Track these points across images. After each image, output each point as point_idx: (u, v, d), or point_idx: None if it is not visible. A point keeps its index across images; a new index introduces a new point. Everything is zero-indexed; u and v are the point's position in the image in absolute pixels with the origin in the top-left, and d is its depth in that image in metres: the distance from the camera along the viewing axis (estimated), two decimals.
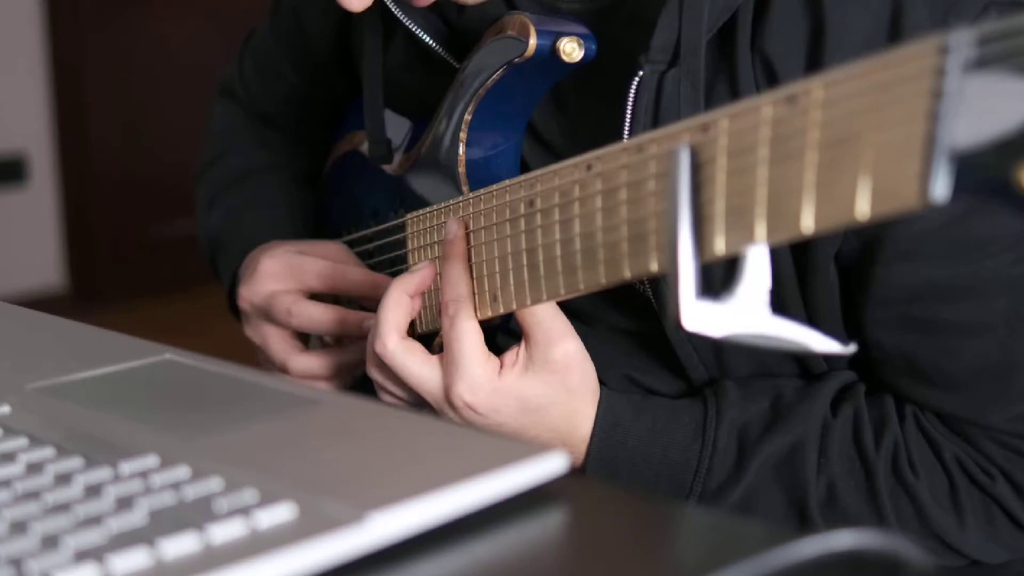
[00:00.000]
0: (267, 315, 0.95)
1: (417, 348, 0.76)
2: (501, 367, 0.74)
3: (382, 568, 0.45)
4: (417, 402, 0.78)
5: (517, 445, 0.54)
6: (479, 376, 0.73)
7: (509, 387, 0.73)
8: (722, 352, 0.79)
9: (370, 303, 0.93)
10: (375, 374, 0.80)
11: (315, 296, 0.95)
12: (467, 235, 0.75)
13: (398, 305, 0.77)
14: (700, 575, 0.44)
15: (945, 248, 0.71)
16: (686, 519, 0.54)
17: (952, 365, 0.74)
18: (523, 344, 0.74)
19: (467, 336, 0.73)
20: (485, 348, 0.74)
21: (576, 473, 0.54)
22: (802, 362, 0.80)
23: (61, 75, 3.49)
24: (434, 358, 0.76)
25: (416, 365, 0.76)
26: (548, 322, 0.73)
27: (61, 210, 3.54)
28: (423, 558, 0.46)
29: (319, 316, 0.92)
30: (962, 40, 0.44)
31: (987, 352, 0.73)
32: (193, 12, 3.64)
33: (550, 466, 0.51)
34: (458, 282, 0.74)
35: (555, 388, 0.74)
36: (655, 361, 0.78)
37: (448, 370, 0.74)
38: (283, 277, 0.94)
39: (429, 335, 0.82)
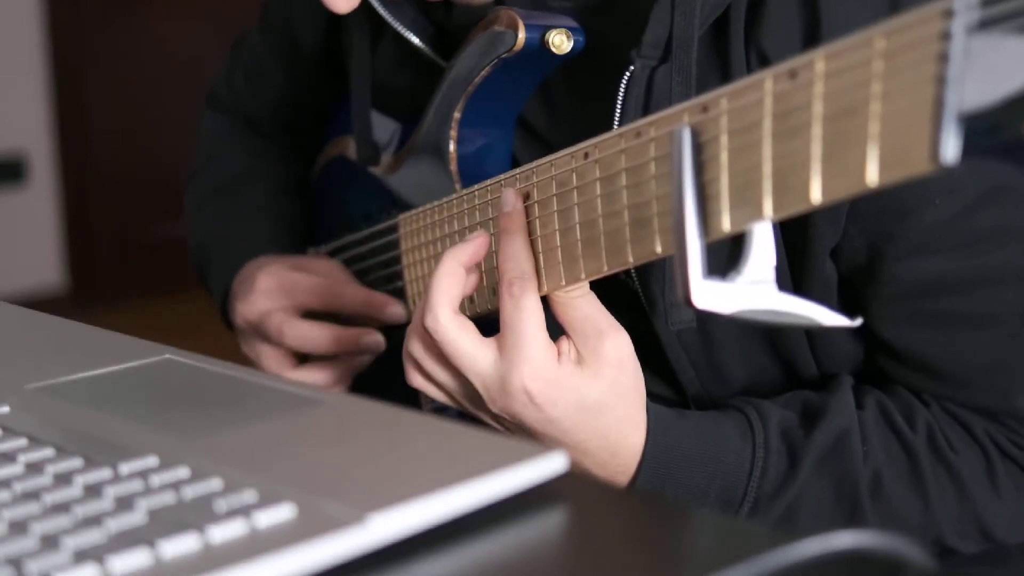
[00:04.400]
0: (259, 333, 0.95)
1: (471, 327, 0.70)
2: (559, 356, 0.69)
3: (382, 568, 0.45)
4: (457, 391, 0.73)
5: (517, 445, 0.54)
6: (542, 362, 0.67)
7: (567, 379, 0.68)
8: (711, 350, 0.78)
9: (365, 320, 0.93)
10: (417, 352, 0.73)
11: (310, 314, 0.94)
12: (526, 207, 0.69)
13: (451, 276, 0.70)
14: (700, 575, 0.44)
15: (956, 240, 0.71)
16: (686, 519, 0.54)
17: (967, 358, 0.75)
18: (571, 340, 0.69)
19: (533, 317, 0.68)
20: (547, 333, 0.69)
21: (576, 473, 0.54)
22: (790, 364, 0.79)
23: (61, 75, 3.49)
24: (490, 340, 0.69)
25: (470, 345, 0.69)
26: (595, 316, 0.68)
27: (61, 210, 3.54)
28: (423, 558, 0.46)
29: (312, 335, 0.91)
30: (966, 2, 0.44)
31: (1001, 343, 0.74)
32: (193, 12, 3.64)
33: (550, 466, 0.51)
34: (520, 258, 0.68)
35: (611, 385, 0.69)
36: (644, 361, 0.77)
37: (509, 353, 0.68)
38: (277, 294, 0.94)
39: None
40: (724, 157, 0.54)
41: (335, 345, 0.91)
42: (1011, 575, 0.80)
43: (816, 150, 0.50)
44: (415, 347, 0.73)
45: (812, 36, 0.69)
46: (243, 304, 0.96)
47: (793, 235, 0.73)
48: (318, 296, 0.93)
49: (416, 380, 0.75)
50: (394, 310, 0.91)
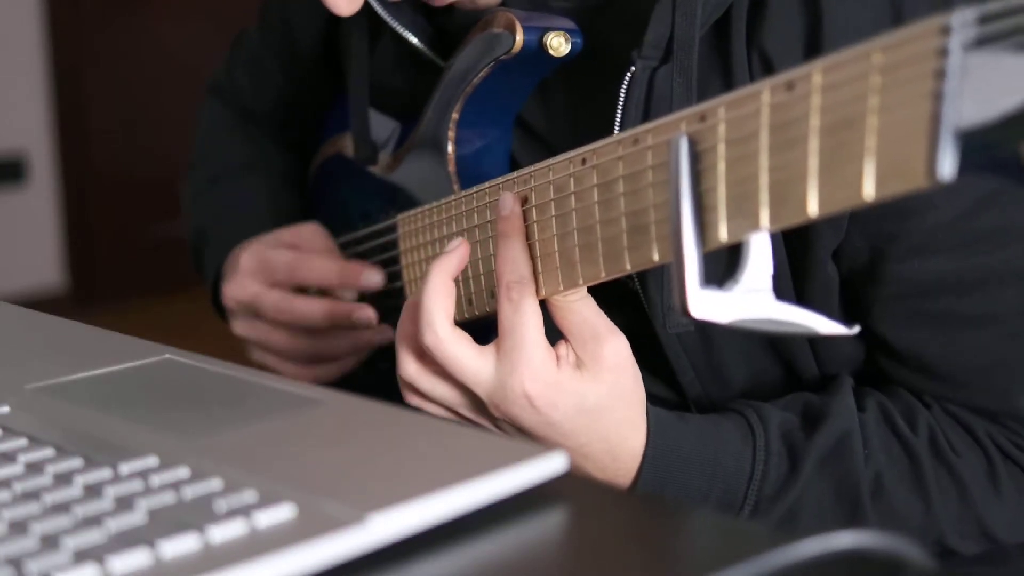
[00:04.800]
0: (256, 314, 0.95)
1: (468, 338, 0.70)
2: (557, 359, 0.69)
3: (382, 568, 0.45)
4: (457, 403, 0.73)
5: (517, 445, 0.54)
6: (542, 365, 0.67)
7: (567, 382, 0.68)
8: (711, 351, 0.78)
9: (342, 294, 0.93)
10: (411, 371, 0.73)
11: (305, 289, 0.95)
12: (524, 212, 0.69)
13: (445, 288, 0.70)
14: (700, 575, 0.44)
15: (957, 241, 0.71)
16: (686, 519, 0.54)
17: (967, 359, 0.75)
18: (570, 344, 0.69)
19: (532, 321, 0.67)
20: (546, 337, 0.68)
21: (575, 473, 0.54)
22: (791, 365, 0.79)
23: (61, 75, 3.49)
24: (487, 348, 0.69)
25: (470, 356, 0.69)
26: (594, 320, 0.68)
27: (61, 210, 3.54)
28: (423, 558, 0.46)
29: (307, 310, 0.92)
30: (963, 20, 0.44)
31: (1001, 343, 0.74)
32: (193, 12, 3.65)
33: (550, 466, 0.51)
34: (518, 261, 0.68)
35: (610, 388, 0.68)
36: (644, 362, 0.77)
37: (508, 357, 0.68)
38: (258, 273, 0.94)
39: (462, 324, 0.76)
40: (721, 167, 0.54)
41: (329, 319, 0.91)
42: (1011, 575, 0.80)
43: (813, 163, 0.50)
44: (409, 367, 0.73)
45: (813, 37, 0.69)
46: (230, 286, 0.96)
47: (794, 237, 0.73)
48: (289, 271, 0.93)
49: (413, 400, 0.74)
50: (370, 277, 0.91)
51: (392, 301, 0.92)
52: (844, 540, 0.44)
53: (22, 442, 0.55)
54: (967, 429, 0.76)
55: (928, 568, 0.43)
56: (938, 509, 0.75)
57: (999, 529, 0.76)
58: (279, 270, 0.93)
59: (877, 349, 0.78)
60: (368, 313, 0.91)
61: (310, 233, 0.97)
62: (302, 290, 0.95)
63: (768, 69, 0.71)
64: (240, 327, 0.99)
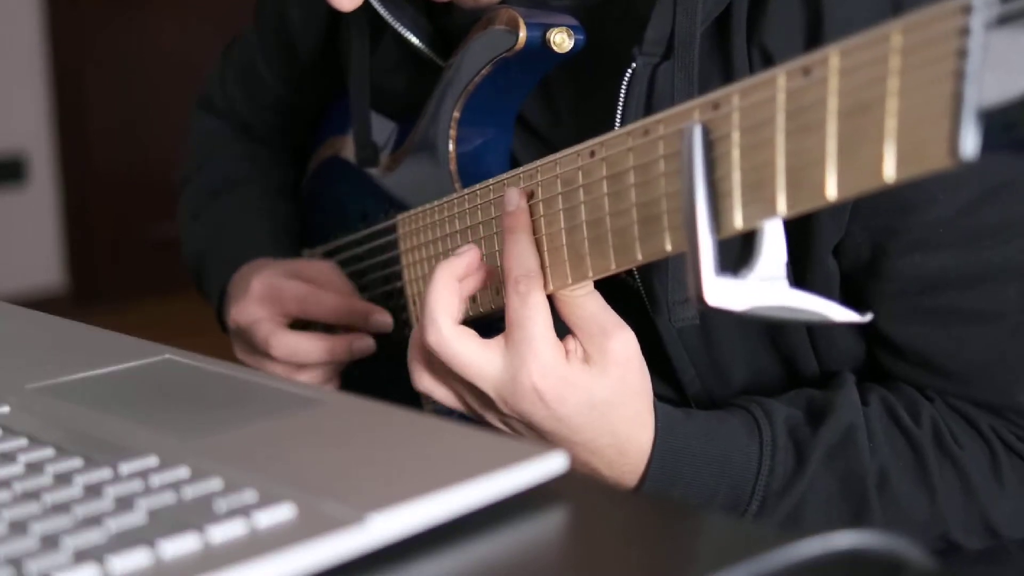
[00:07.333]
0: (248, 342, 0.94)
1: (473, 334, 0.69)
2: (566, 354, 0.68)
3: (382, 568, 0.45)
4: (464, 403, 0.73)
5: (517, 445, 0.54)
6: (551, 359, 0.67)
7: (576, 377, 0.68)
8: (712, 349, 0.78)
9: (348, 329, 0.92)
10: (426, 384, 0.73)
11: (308, 324, 0.94)
12: (530, 206, 0.69)
13: (447, 289, 0.70)
14: (700, 575, 0.44)
15: (959, 236, 0.72)
16: (686, 519, 0.54)
17: (969, 354, 0.75)
18: (577, 339, 0.69)
19: (540, 315, 0.67)
20: (554, 331, 0.68)
21: (576, 473, 0.54)
22: (791, 362, 0.80)
23: (61, 75, 3.49)
24: (494, 342, 0.69)
25: (475, 352, 0.68)
26: (601, 314, 0.68)
27: (61, 210, 3.55)
28: (423, 558, 0.46)
29: (303, 347, 0.90)
30: None
31: (1003, 338, 0.74)
32: (193, 13, 3.65)
33: (550, 466, 0.51)
34: (525, 256, 0.68)
35: (618, 383, 0.68)
36: (645, 360, 0.77)
37: (518, 351, 0.67)
38: (266, 301, 0.93)
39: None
40: (736, 154, 0.54)
41: (329, 355, 0.90)
42: (1011, 574, 0.80)
43: (831, 146, 0.50)
44: (423, 381, 0.73)
45: (814, 33, 0.70)
46: (236, 308, 0.95)
47: (795, 232, 0.73)
48: (299, 304, 0.92)
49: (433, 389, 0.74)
50: (378, 318, 0.90)
51: (393, 302, 0.92)
52: (844, 540, 0.44)
53: (22, 442, 0.55)
54: (970, 422, 0.76)
55: (928, 568, 0.43)
56: (942, 501, 0.75)
57: (1002, 523, 0.76)
58: (288, 301, 0.92)
59: (878, 344, 0.78)
60: (367, 343, 0.91)
61: (328, 270, 0.96)
62: (305, 324, 0.94)
63: (769, 64, 0.71)
64: (242, 354, 0.97)
